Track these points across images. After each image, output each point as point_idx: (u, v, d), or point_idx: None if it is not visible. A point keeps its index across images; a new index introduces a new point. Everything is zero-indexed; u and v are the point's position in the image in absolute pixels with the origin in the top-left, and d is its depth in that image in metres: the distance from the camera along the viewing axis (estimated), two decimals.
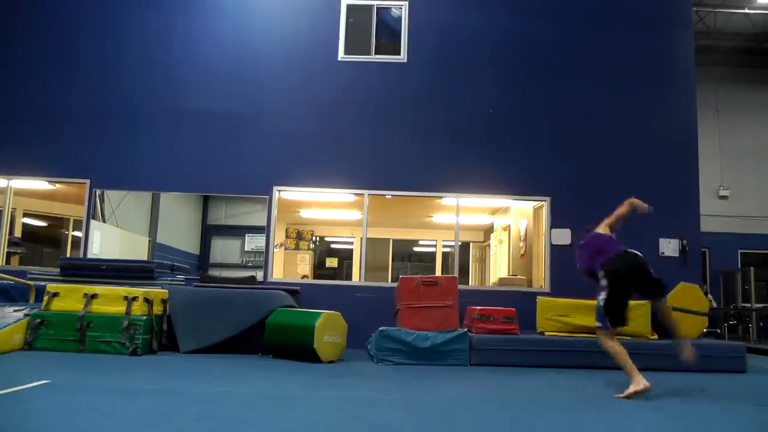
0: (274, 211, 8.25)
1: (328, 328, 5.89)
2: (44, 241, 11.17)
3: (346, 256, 14.04)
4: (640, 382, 4.17)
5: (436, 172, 8.38)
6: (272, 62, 8.60)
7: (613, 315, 4.42)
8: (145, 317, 5.89)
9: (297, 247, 13.00)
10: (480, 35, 8.70)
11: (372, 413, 3.48)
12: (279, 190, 8.35)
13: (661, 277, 4.57)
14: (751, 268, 14.22)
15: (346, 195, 8.83)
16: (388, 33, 8.78)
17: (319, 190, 8.51)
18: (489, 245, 13.24)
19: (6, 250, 8.45)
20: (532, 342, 6.37)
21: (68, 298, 5.96)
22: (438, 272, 13.44)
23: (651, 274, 4.50)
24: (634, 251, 4.58)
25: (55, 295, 5.98)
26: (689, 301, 7.02)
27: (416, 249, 15.08)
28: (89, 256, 8.15)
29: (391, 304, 7.08)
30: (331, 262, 14.03)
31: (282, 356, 6.08)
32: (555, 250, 8.12)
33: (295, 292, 7.32)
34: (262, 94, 8.51)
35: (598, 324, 4.49)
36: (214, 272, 10.83)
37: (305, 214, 12.17)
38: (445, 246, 14.03)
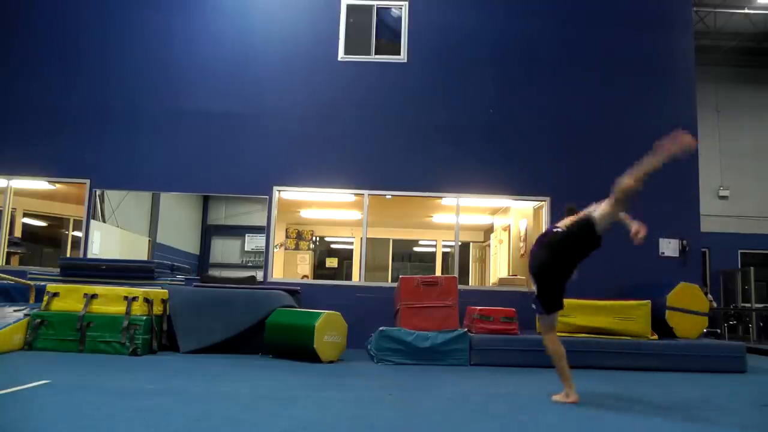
0: (274, 211, 8.25)
1: (328, 328, 5.89)
2: (44, 241, 11.17)
3: (346, 256, 14.04)
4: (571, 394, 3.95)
5: (435, 172, 8.39)
6: (272, 62, 8.60)
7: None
8: (145, 317, 5.90)
9: (297, 247, 13.00)
10: (480, 35, 8.71)
11: (372, 413, 3.48)
12: (279, 190, 8.35)
13: None
14: (751, 268, 14.20)
15: (346, 195, 8.83)
16: (388, 33, 8.79)
17: (319, 190, 8.51)
18: (489, 245, 13.24)
19: (6, 250, 8.45)
20: (532, 342, 6.34)
21: (68, 298, 5.96)
22: (438, 272, 13.43)
23: None
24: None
25: (55, 295, 5.98)
26: (689, 301, 7.01)
27: (416, 249, 15.07)
28: (89, 256, 8.15)
29: (391, 304, 7.08)
30: (331, 262, 14.02)
31: (282, 356, 6.08)
32: None
33: (295, 292, 7.32)
34: (262, 94, 8.51)
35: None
36: (214, 272, 10.83)
37: (305, 214, 12.17)
38: (445, 246, 14.02)
